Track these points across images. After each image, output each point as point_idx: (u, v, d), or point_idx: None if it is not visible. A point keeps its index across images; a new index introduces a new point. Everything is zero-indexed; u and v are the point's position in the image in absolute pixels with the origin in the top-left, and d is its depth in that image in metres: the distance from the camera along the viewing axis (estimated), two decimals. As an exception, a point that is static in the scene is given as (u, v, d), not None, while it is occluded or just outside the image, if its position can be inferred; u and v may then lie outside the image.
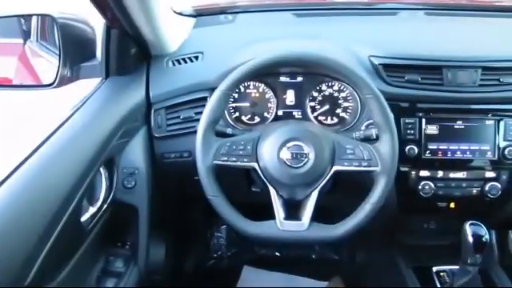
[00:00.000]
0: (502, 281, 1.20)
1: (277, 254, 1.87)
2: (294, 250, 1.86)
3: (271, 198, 1.00)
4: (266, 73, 1.07)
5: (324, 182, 0.99)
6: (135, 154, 1.12)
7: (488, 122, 1.17)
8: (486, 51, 1.19)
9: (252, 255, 1.85)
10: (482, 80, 1.15)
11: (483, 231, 1.06)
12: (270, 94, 1.24)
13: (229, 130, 1.10)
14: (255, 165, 0.99)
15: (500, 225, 1.30)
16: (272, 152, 0.98)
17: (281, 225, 0.98)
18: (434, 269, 1.21)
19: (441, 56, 1.16)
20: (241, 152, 0.99)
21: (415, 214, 1.31)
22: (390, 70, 1.16)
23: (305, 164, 0.97)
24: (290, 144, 0.98)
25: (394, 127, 0.98)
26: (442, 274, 1.20)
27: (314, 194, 0.99)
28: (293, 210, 1.02)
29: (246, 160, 0.99)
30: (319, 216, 1.00)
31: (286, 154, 0.98)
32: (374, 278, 1.49)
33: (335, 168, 0.99)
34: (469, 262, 1.08)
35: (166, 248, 1.38)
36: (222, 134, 1.07)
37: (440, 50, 1.19)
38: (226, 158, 0.99)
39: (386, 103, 0.99)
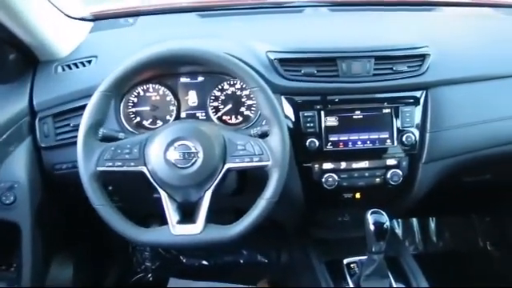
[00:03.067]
0: (412, 268, 1.20)
1: (204, 262, 1.82)
2: (220, 257, 1.81)
3: (163, 202, 0.95)
4: (146, 70, 1.02)
5: (217, 181, 0.95)
6: (16, 166, 1.04)
7: (385, 111, 1.18)
8: (378, 41, 1.20)
9: (178, 266, 1.79)
10: (375, 69, 1.16)
11: (384, 218, 1.06)
12: (170, 97, 1.20)
13: (121, 135, 1.04)
14: (143, 168, 0.95)
15: (405, 212, 1.32)
16: (159, 153, 0.94)
17: (173, 230, 0.94)
18: (345, 261, 1.20)
19: (335, 48, 1.17)
20: (127, 156, 0.94)
21: (328, 208, 1.30)
22: (287, 64, 1.15)
23: (193, 164, 0.93)
24: (177, 144, 0.94)
25: (282, 120, 0.96)
26: (352, 265, 1.20)
27: (208, 195, 0.95)
28: (189, 212, 0.98)
29: (132, 164, 0.94)
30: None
31: (173, 155, 0.94)
32: (292, 277, 1.47)
33: (227, 166, 0.96)
34: (373, 250, 1.08)
35: (76, 265, 1.30)
36: (114, 140, 1.01)
37: (334, 42, 1.20)
38: (110, 164, 0.93)
39: (272, 96, 0.97)
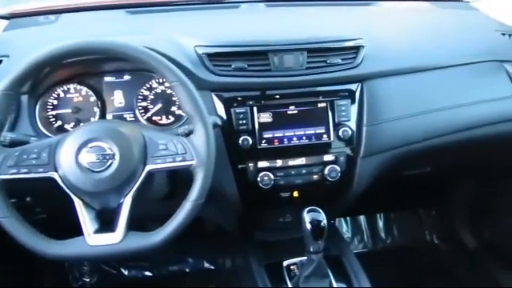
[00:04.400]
0: (354, 267, 1.17)
1: (148, 273, 1.72)
2: (165, 267, 1.72)
3: (77, 210, 0.86)
4: (52, 64, 0.94)
5: (138, 185, 0.88)
6: None
7: (320, 105, 1.14)
8: (310, 34, 1.16)
9: (120, 280, 1.68)
10: (308, 63, 1.12)
11: (321, 216, 1.02)
12: (93, 97, 1.11)
13: (33, 140, 0.94)
14: (53, 174, 0.85)
15: (347, 210, 1.29)
16: (70, 157, 0.85)
17: (89, 240, 0.85)
18: (285, 263, 1.15)
19: (266, 41, 1.12)
20: (34, 161, 0.85)
21: (267, 209, 1.25)
22: (216, 58, 1.09)
23: (109, 166, 0.85)
24: (90, 145, 0.86)
25: (206, 116, 0.90)
26: (292, 267, 1.15)
27: (128, 200, 0.87)
28: (110, 220, 0.89)
29: (41, 170, 0.85)
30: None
31: (86, 158, 0.85)
32: (234, 282, 1.41)
33: (148, 167, 0.88)
34: (311, 250, 1.03)
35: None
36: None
37: (266, 35, 1.15)
38: (14, 171, 0.83)
39: (194, 91, 0.90)
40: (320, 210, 1.04)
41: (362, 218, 1.95)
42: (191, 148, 0.88)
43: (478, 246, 1.78)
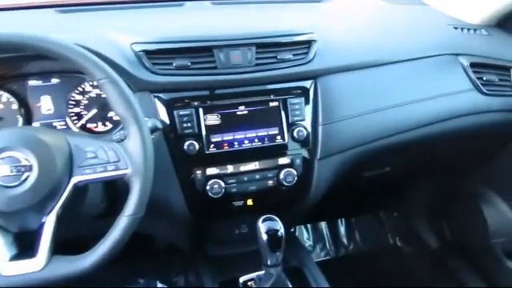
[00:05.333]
0: (316, 278, 1.08)
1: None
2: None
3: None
4: None
5: (63, 201, 0.75)
6: None
7: (272, 104, 1.05)
8: (259, 28, 1.08)
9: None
10: (258, 59, 1.04)
11: (278, 225, 0.93)
12: (16, 104, 0.98)
13: None
14: (-42, 193, 0.71)
15: (306, 216, 1.20)
16: (-23, 171, 0.71)
17: (4, 269, 0.71)
18: (241, 279, 1.05)
19: (210, 36, 1.02)
20: None
21: (219, 220, 1.14)
22: (155, 56, 0.98)
23: (25, 180, 0.72)
24: (1, 156, 0.72)
25: (140, 117, 0.79)
26: (249, 283, 1.04)
27: (51, 219, 0.75)
28: (29, 244, 0.76)
29: None
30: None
31: (-4, 171, 0.72)
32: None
33: (75, 179, 0.76)
34: (269, 263, 0.93)
35: None
36: None
37: (210, 30, 1.05)
38: None
39: (126, 89, 0.79)
40: (276, 219, 0.95)
41: (323, 225, 1.87)
42: (125, 155, 0.77)
43: (441, 246, 1.75)
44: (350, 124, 1.11)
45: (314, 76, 1.09)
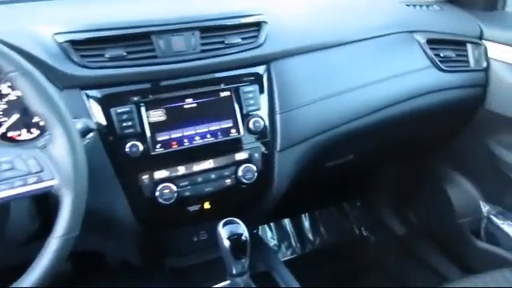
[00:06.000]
0: (287, 281, 0.99)
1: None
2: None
3: None
4: None
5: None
6: None
7: (223, 94, 0.95)
8: (202, 10, 0.97)
9: None
10: (203, 44, 0.92)
11: (241, 228, 0.82)
12: None
13: None
14: None
15: (270, 214, 1.10)
16: None
17: None
18: (204, 292, 0.94)
19: (147, 20, 0.90)
20: None
21: (176, 228, 1.02)
22: (84, 47, 0.85)
23: None
24: None
25: (66, 117, 0.66)
26: (214, 296, 0.93)
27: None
28: None
29: None
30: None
31: None
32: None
33: (-14, 198, 0.61)
34: (234, 271, 0.83)
35: None
36: None
37: (147, 14, 0.93)
38: None
39: (45, 83, 0.66)
40: (238, 221, 0.84)
41: (286, 222, 1.79)
42: (50, 163, 0.63)
43: (407, 232, 1.71)
44: (310, 110, 1.02)
45: (267, 61, 1.00)
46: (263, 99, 0.98)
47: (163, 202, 0.87)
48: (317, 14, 1.19)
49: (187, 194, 0.91)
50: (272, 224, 1.75)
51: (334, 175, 1.42)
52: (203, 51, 0.92)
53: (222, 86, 0.94)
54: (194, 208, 0.93)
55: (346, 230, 1.80)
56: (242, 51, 0.96)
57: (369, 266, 1.64)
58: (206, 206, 0.94)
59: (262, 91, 0.98)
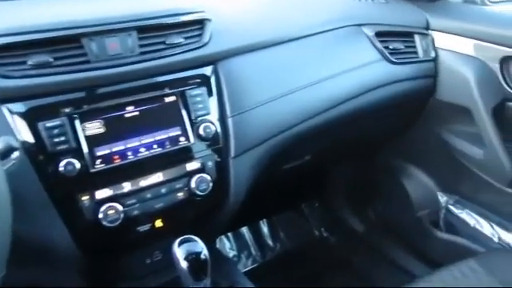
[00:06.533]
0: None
1: None
2: None
3: None
4: None
5: None
6: None
7: (168, 100, 0.86)
8: (139, 8, 0.88)
9: None
10: (142, 46, 0.84)
11: (199, 246, 0.74)
12: None
13: None
14: None
15: (229, 225, 1.03)
16: None
17: None
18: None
19: (76, 22, 0.79)
20: None
21: (129, 251, 0.92)
22: (1, 55, 0.73)
23: None
24: None
25: None
26: (173, 323, 0.84)
27: None
28: None
29: None
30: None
31: None
32: None
33: None
34: (194, 294, 0.74)
35: None
36: None
37: (74, 15, 0.82)
38: None
39: None
40: (195, 238, 0.77)
41: (244, 230, 1.71)
42: None
43: (367, 229, 1.69)
44: (263, 111, 0.96)
45: (213, 61, 0.92)
46: (212, 102, 0.91)
47: (108, 224, 0.77)
48: (263, 10, 1.14)
49: (136, 212, 0.81)
50: (230, 234, 1.67)
51: (291, 177, 1.37)
52: (142, 53, 0.83)
53: (167, 91, 0.86)
54: (144, 228, 0.84)
55: (306, 233, 1.76)
56: (185, 51, 0.88)
57: (333, 266, 1.61)
58: (158, 224, 0.85)
59: (210, 94, 0.91)
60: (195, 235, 0.82)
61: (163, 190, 0.84)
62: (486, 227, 1.28)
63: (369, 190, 1.67)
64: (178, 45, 0.88)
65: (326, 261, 1.65)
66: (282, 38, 1.06)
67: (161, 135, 0.84)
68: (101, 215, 0.77)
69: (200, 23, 0.92)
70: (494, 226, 1.26)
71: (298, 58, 1.07)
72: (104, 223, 0.77)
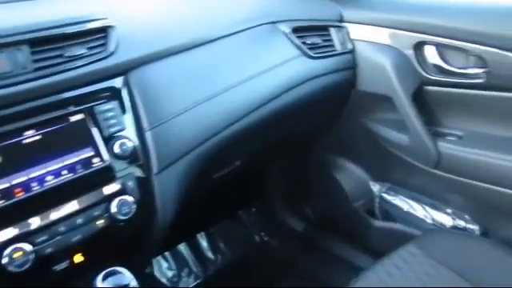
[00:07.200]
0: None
1: None
2: None
3: None
4: None
5: None
6: None
7: (75, 118, 0.77)
8: (30, 18, 0.78)
9: None
10: (36, 61, 0.74)
11: (125, 278, 0.67)
12: None
13: None
14: None
15: (161, 247, 0.95)
16: None
17: None
18: None
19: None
20: None
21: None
22: None
23: None
24: None
25: None
26: None
27: None
28: None
29: None
30: None
31: None
32: None
33: None
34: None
35: None
36: None
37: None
38: None
39: None
40: (121, 270, 0.69)
41: (182, 247, 1.62)
42: None
43: (307, 227, 1.67)
44: (184, 120, 0.90)
45: (123, 71, 0.85)
46: (127, 117, 0.83)
47: (15, 269, 0.67)
48: (174, 13, 1.07)
49: (49, 250, 0.71)
50: (167, 253, 1.58)
51: (223, 186, 1.31)
52: (38, 69, 0.74)
53: (72, 109, 0.77)
54: (61, 266, 0.74)
55: (247, 240, 1.71)
56: (89, 63, 0.80)
57: (279, 270, 1.57)
58: (78, 258, 0.76)
59: (123, 107, 0.83)
60: (123, 265, 0.74)
61: (79, 221, 0.75)
62: (419, 210, 1.30)
63: (304, 188, 1.66)
64: (80, 56, 0.79)
65: (271, 265, 1.61)
66: (196, 41, 1.00)
67: (70, 159, 0.75)
68: (5, 260, 0.66)
69: (103, 31, 0.84)
70: (426, 208, 1.29)
71: (214, 61, 1.02)
72: (10, 269, 0.66)
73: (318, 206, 1.65)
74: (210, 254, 1.65)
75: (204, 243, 1.66)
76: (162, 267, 1.55)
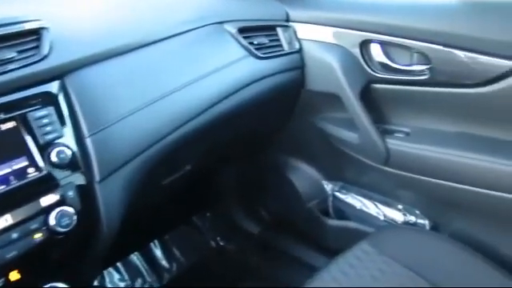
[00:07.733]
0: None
1: None
2: None
3: None
4: None
5: None
6: None
7: (6, 126, 0.72)
8: None
9: None
10: None
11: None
12: None
13: None
14: None
15: (103, 261, 0.90)
16: None
17: None
18: None
19: None
20: None
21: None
22: None
23: None
24: None
25: None
26: None
27: None
28: None
29: None
30: None
31: None
32: None
33: None
34: None
35: None
36: None
37: None
38: None
39: None
40: (62, 285, 0.63)
41: (134, 257, 1.57)
42: None
43: (263, 230, 1.66)
44: (128, 124, 0.86)
45: (59, 75, 0.80)
46: (64, 123, 0.78)
47: None
48: (114, 13, 1.03)
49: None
50: (119, 264, 1.52)
51: (174, 192, 1.27)
52: None
53: (2, 116, 0.72)
54: (-4, 284, 0.68)
55: (202, 245, 1.68)
56: (20, 67, 0.75)
57: (237, 274, 1.55)
58: (14, 276, 0.71)
59: (60, 113, 0.78)
60: (66, 280, 0.69)
61: (14, 235, 0.70)
62: (371, 207, 1.32)
63: (258, 190, 1.65)
64: (10, 60, 0.74)
65: (228, 270, 1.59)
66: (138, 42, 0.96)
67: (2, 170, 0.70)
68: None
69: (36, 33, 0.79)
70: (378, 205, 1.30)
71: (158, 63, 0.99)
72: None
73: (273, 208, 1.65)
74: (164, 263, 1.60)
75: (158, 251, 1.61)
76: (114, 278, 1.49)
